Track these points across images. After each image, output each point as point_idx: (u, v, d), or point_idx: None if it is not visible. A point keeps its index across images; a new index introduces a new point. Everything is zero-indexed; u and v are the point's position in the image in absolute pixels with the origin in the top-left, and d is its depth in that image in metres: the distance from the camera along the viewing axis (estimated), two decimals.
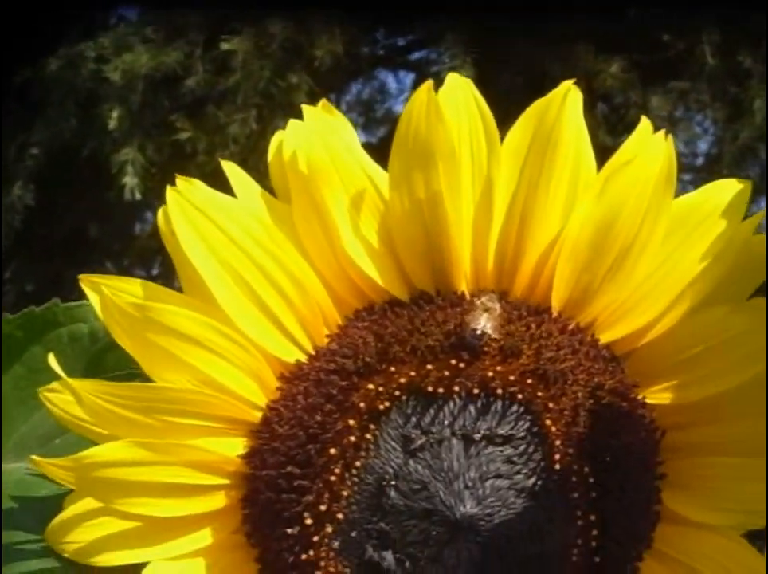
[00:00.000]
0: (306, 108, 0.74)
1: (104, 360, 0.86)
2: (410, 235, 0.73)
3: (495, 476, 0.69)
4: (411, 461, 0.70)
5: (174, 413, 0.70)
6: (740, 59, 3.64)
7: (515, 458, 0.70)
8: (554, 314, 0.73)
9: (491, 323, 0.70)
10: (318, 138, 0.72)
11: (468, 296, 0.73)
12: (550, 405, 0.70)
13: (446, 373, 0.70)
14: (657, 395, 0.74)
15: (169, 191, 0.70)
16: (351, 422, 0.70)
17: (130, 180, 3.88)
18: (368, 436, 0.70)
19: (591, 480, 0.70)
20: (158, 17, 4.34)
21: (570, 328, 0.73)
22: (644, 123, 0.73)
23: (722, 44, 3.68)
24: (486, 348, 0.70)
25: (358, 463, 0.70)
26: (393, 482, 0.70)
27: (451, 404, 0.70)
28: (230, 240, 0.71)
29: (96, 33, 4.32)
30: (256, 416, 0.72)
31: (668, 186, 0.71)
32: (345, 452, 0.70)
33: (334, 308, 0.74)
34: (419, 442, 0.70)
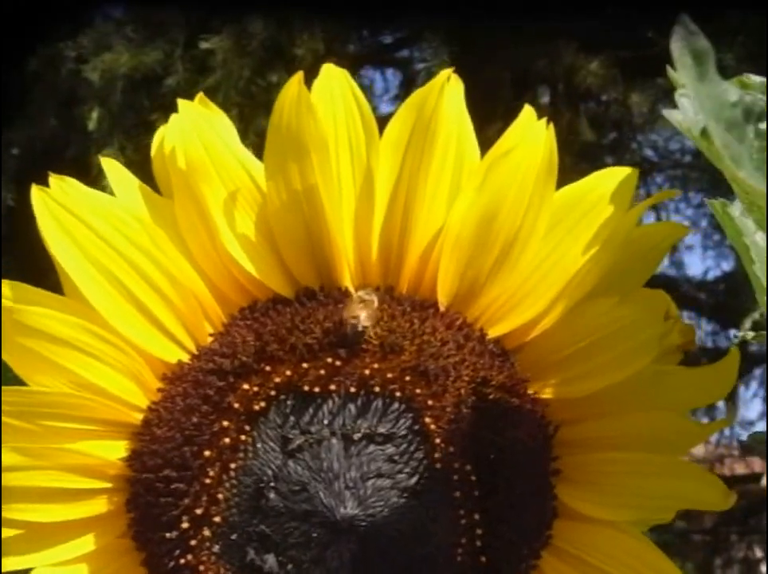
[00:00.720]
0: (181, 103, 0.72)
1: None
2: (290, 229, 0.71)
3: (377, 475, 0.68)
4: (290, 462, 0.68)
5: (50, 417, 0.69)
6: (719, 56, 3.62)
7: (396, 457, 0.68)
8: (442, 309, 0.72)
9: (367, 313, 0.68)
10: (194, 133, 0.71)
11: (353, 292, 0.71)
12: (430, 402, 0.68)
13: (323, 372, 0.68)
14: (549, 390, 0.72)
15: (34, 191, 0.69)
16: (226, 423, 0.68)
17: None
18: (244, 437, 0.68)
19: (473, 478, 0.69)
20: (138, 16, 4.33)
21: (457, 323, 0.71)
22: (527, 110, 0.72)
23: None
24: (365, 346, 0.69)
25: (234, 465, 0.68)
26: (272, 484, 0.68)
27: (330, 403, 0.68)
28: (101, 239, 0.69)
29: (78, 31, 4.31)
30: (137, 418, 0.71)
31: (550, 175, 0.70)
32: (221, 454, 0.68)
33: (217, 306, 0.72)
34: (298, 442, 0.68)
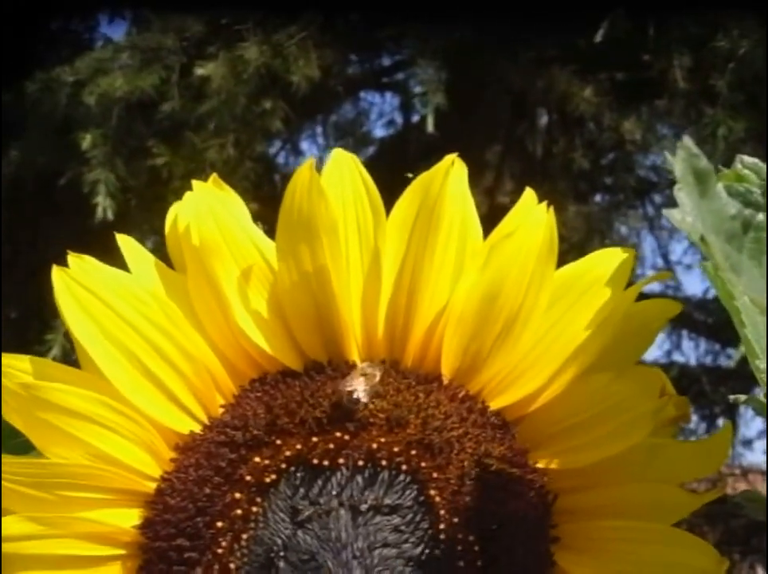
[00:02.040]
0: (196, 184, 0.75)
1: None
2: (300, 306, 0.74)
3: (383, 545, 0.70)
4: (300, 532, 0.70)
5: (67, 487, 0.71)
6: (711, 83, 3.67)
7: (402, 528, 0.71)
8: (445, 382, 0.74)
9: (366, 386, 0.71)
10: (208, 212, 0.74)
11: (358, 365, 0.74)
12: (435, 475, 0.71)
13: (331, 446, 0.71)
14: (548, 460, 0.75)
15: (55, 271, 0.71)
16: (238, 495, 0.71)
17: (102, 200, 3.89)
18: (255, 509, 0.71)
19: (476, 548, 0.71)
20: (136, 42, 4.36)
21: (460, 396, 0.74)
22: (528, 194, 0.75)
23: (693, 67, 3.71)
24: (372, 419, 0.71)
25: (245, 535, 0.71)
26: (282, 553, 0.70)
27: (338, 475, 0.71)
28: (118, 315, 0.72)
29: (76, 55, 4.34)
30: (151, 487, 0.73)
31: (550, 256, 0.73)
32: (233, 524, 0.71)
33: (228, 378, 0.75)
34: (307, 513, 0.70)
